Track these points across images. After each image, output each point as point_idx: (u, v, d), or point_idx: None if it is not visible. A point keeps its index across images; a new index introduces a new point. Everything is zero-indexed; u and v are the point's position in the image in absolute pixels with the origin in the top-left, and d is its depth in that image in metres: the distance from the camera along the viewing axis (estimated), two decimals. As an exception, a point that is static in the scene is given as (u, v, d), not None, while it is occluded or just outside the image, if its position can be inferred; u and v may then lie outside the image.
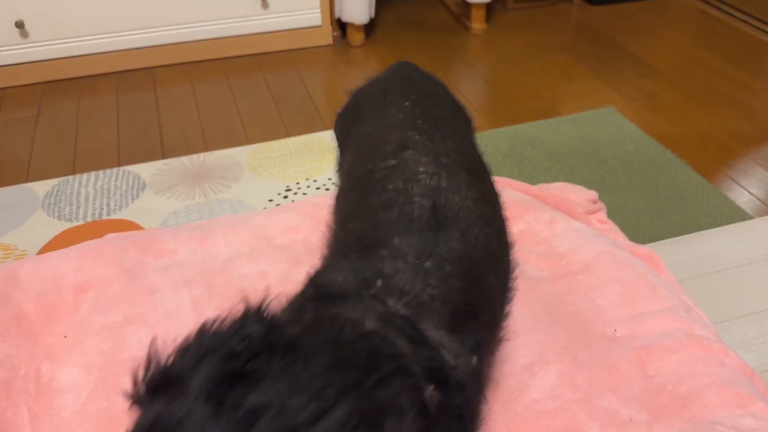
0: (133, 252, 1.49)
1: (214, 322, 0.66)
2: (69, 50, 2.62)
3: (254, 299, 0.68)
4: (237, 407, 0.58)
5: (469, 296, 0.92)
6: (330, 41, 2.91)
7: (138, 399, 0.62)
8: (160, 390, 0.62)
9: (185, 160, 2.12)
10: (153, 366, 0.63)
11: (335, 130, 1.43)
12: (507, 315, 1.07)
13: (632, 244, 1.61)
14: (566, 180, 1.91)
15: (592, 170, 2.02)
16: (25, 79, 2.61)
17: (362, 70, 2.74)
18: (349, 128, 1.36)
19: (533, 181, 1.86)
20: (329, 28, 2.88)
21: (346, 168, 1.29)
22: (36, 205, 1.91)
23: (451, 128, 1.19)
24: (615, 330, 1.30)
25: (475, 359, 0.86)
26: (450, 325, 0.86)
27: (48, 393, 1.20)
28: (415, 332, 0.83)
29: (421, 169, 1.05)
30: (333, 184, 1.98)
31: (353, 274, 0.91)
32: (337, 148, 1.43)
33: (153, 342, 0.65)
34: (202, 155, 2.14)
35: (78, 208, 1.90)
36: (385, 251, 0.93)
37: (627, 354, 1.24)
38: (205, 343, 0.63)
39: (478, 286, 0.96)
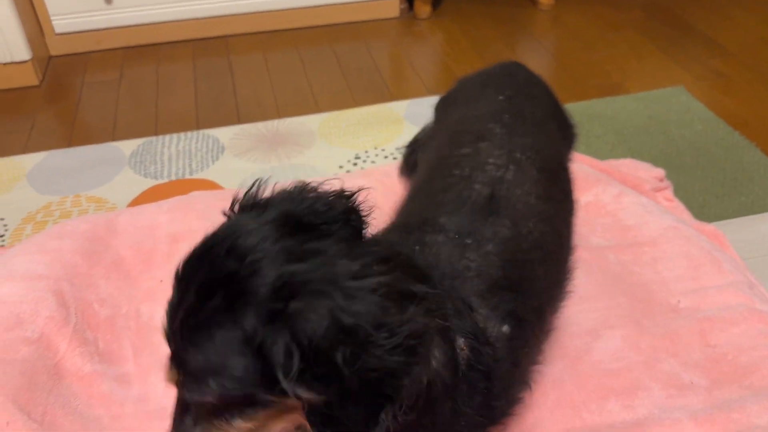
0: (221, 208, 1.59)
1: (313, 185, 0.79)
2: (149, 17, 2.73)
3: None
4: (298, 242, 0.69)
5: (510, 275, 0.96)
6: (397, 14, 2.96)
7: (229, 214, 0.80)
8: (246, 210, 0.77)
9: (260, 125, 2.22)
10: (249, 194, 0.80)
11: (435, 113, 1.48)
12: (556, 309, 1.12)
13: (698, 221, 1.64)
14: (633, 157, 1.93)
15: (660, 149, 2.03)
16: (108, 44, 2.74)
17: (428, 43, 2.79)
18: (444, 113, 1.42)
19: (600, 158, 1.89)
20: (396, 0, 2.92)
21: (429, 151, 1.35)
22: (123, 163, 2.04)
23: (538, 127, 1.22)
24: (678, 301, 1.35)
25: (506, 327, 0.91)
26: (483, 294, 0.92)
27: (148, 330, 1.32)
28: (453, 289, 0.90)
29: (491, 160, 1.11)
30: (401, 153, 2.05)
31: (400, 241, 0.98)
32: (430, 128, 1.49)
33: (257, 181, 0.81)
34: (275, 122, 2.24)
35: (162, 166, 2.02)
36: (428, 227, 1.01)
37: (689, 324, 1.29)
38: (298, 195, 0.77)
39: (523, 270, 1.00)
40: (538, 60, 2.63)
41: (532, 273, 1.02)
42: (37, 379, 1.11)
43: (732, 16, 2.89)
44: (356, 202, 0.80)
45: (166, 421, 1.14)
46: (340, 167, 2.00)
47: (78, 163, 2.04)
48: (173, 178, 1.97)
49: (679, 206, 1.72)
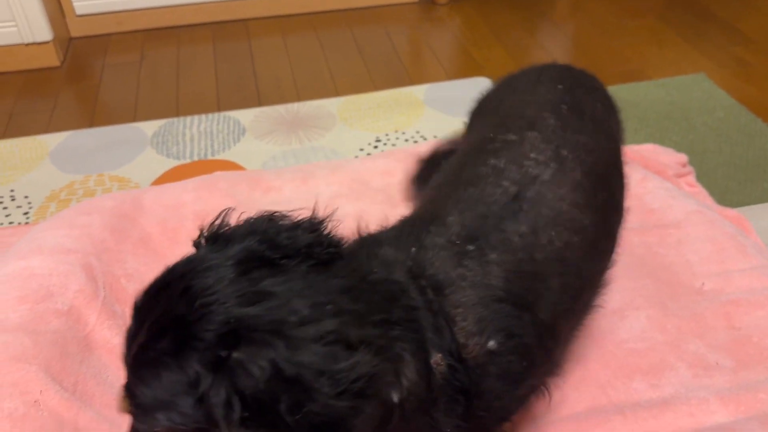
0: (244, 187, 1.61)
1: (280, 215, 0.79)
2: None
3: (322, 213, 0.80)
4: (252, 282, 0.68)
5: (511, 288, 0.88)
6: (416, -1, 2.95)
7: (196, 244, 0.79)
8: (211, 243, 0.76)
9: (280, 108, 2.22)
10: (216, 226, 0.78)
11: (470, 117, 1.38)
12: (575, 324, 1.02)
13: (721, 207, 1.63)
14: (655, 143, 1.92)
15: (682, 135, 2.02)
16: (128, 25, 2.75)
17: (447, 28, 2.78)
18: (487, 105, 1.31)
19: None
20: (416, -15, 2.92)
21: (471, 132, 1.28)
22: (145, 143, 2.05)
23: (597, 125, 1.11)
24: (703, 284, 1.35)
25: (492, 343, 0.85)
26: (471, 306, 0.86)
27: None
28: (435, 302, 0.84)
29: (533, 154, 1.01)
30: (421, 137, 2.05)
31: (398, 241, 0.92)
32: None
33: (223, 212, 0.80)
34: (295, 105, 2.24)
35: (184, 147, 2.03)
36: (433, 226, 0.94)
37: (714, 306, 1.29)
38: (261, 226, 0.76)
39: (532, 283, 0.91)
40: (557, 45, 2.62)
41: (543, 286, 0.92)
42: (69, 349, 1.13)
43: (753, 4, 2.87)
44: (322, 233, 0.78)
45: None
46: (361, 150, 2.01)
47: (100, 143, 2.05)
48: (195, 158, 1.98)
49: (701, 192, 1.72)
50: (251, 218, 0.78)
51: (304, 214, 0.80)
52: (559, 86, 1.17)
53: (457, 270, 0.87)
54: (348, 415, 0.65)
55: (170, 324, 0.67)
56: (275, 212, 0.79)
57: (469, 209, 0.95)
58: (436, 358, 0.82)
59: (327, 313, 0.68)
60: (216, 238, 0.77)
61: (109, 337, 1.20)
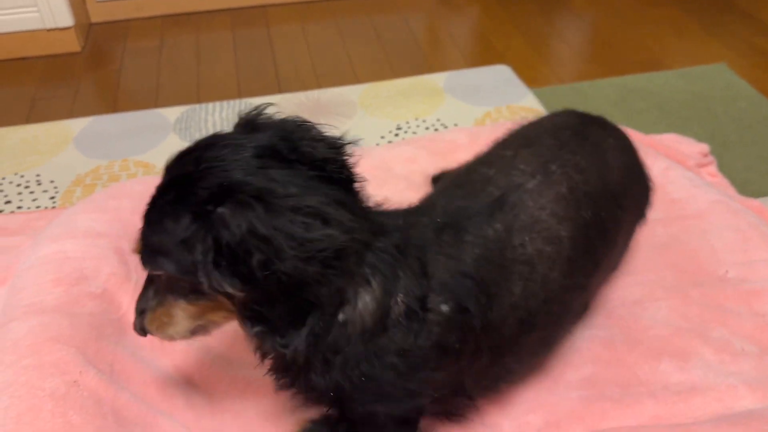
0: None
1: (310, 124, 0.87)
2: (188, -14, 2.75)
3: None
4: (260, 164, 0.76)
5: (478, 272, 0.92)
6: (434, -14, 2.95)
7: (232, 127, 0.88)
8: (241, 126, 0.86)
9: (301, 95, 2.23)
10: (251, 114, 0.87)
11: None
12: (522, 341, 1.02)
13: (743, 197, 1.64)
14: (676, 133, 1.93)
15: (703, 125, 2.02)
16: (147, 11, 2.76)
17: (466, 16, 2.78)
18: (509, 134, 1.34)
19: (643, 132, 1.89)
20: (434, -27, 2.91)
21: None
22: (168, 129, 2.07)
23: (598, 151, 1.15)
24: (726, 271, 1.36)
25: (445, 307, 0.89)
26: (441, 269, 0.91)
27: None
28: (413, 255, 0.90)
29: (522, 166, 1.07)
30: (442, 125, 2.06)
31: (396, 213, 0.98)
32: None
33: (263, 105, 0.88)
34: (316, 92, 2.25)
35: (207, 133, 2.03)
36: (423, 207, 1.03)
37: (737, 294, 1.30)
38: (289, 127, 0.84)
39: (495, 275, 0.95)
40: (577, 34, 2.61)
41: (505, 285, 0.96)
42: (104, 331, 1.15)
43: (774, -7, 2.85)
44: (341, 154, 0.85)
45: (228, 371, 1.19)
46: (382, 137, 2.02)
47: (124, 129, 2.07)
48: (218, 144, 2.00)
49: (723, 182, 1.72)
50: (283, 117, 0.86)
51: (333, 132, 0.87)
52: (576, 119, 1.24)
53: (436, 240, 0.94)
54: (313, 281, 0.75)
55: (178, 180, 0.78)
56: (306, 120, 0.87)
57: (454, 202, 1.03)
58: (400, 297, 0.87)
59: (309, 196, 0.76)
60: (247, 123, 0.86)
61: (142, 320, 1.23)
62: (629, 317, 1.26)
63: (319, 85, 2.32)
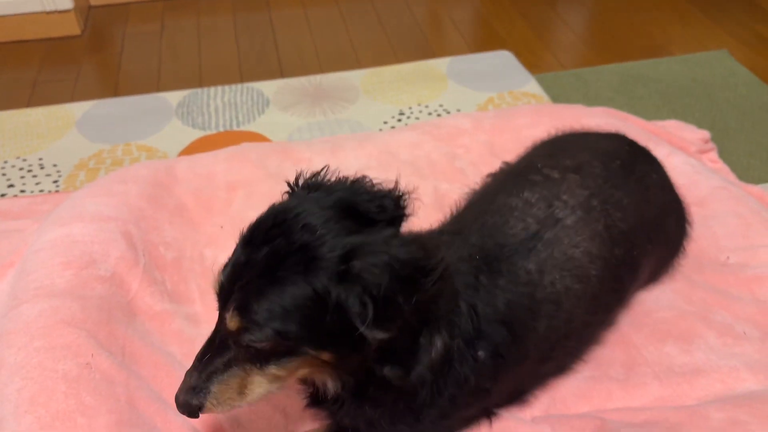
0: (275, 158, 1.63)
1: (371, 181, 0.92)
2: (188, -31, 2.73)
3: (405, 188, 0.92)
4: (354, 223, 0.83)
5: (511, 317, 0.96)
6: (435, -29, 2.93)
7: (292, 189, 0.94)
8: (305, 189, 0.91)
9: (303, 80, 2.23)
10: (313, 177, 0.93)
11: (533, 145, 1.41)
12: (547, 373, 1.09)
13: (744, 183, 1.65)
14: (677, 119, 1.94)
15: (704, 111, 2.03)
16: (147, -5, 2.75)
17: (468, 0, 2.77)
18: (552, 139, 1.38)
19: (645, 119, 1.89)
20: (436, -43, 2.90)
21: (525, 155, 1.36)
22: (170, 114, 2.07)
23: (641, 188, 1.17)
24: (728, 257, 1.37)
25: (482, 354, 0.95)
26: (478, 317, 0.95)
27: (212, 273, 1.36)
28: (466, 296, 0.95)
29: (564, 197, 1.08)
30: (445, 110, 2.06)
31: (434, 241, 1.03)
32: None
33: (325, 168, 0.95)
34: (318, 76, 2.25)
35: (209, 118, 2.04)
36: (458, 242, 1.04)
37: (738, 280, 1.32)
38: (356, 185, 0.90)
39: (525, 320, 0.98)
40: (579, 19, 2.61)
41: (531, 324, 0.99)
42: (114, 314, 1.16)
43: (776, -20, 2.85)
44: (404, 205, 0.91)
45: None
46: (385, 123, 2.02)
47: (126, 113, 2.07)
48: (221, 129, 2.00)
49: (724, 168, 1.74)
50: (347, 177, 0.92)
51: (386, 183, 0.93)
52: (626, 147, 1.25)
53: (474, 284, 0.97)
54: (437, 295, 0.83)
55: (295, 250, 0.79)
56: (365, 176, 0.93)
57: (491, 235, 1.04)
58: (457, 341, 0.93)
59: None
60: (317, 186, 0.91)
61: (152, 304, 1.24)
62: (634, 300, 1.27)
63: (322, 70, 2.31)
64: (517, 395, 1.10)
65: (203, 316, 1.28)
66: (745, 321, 1.22)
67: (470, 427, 1.07)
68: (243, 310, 0.80)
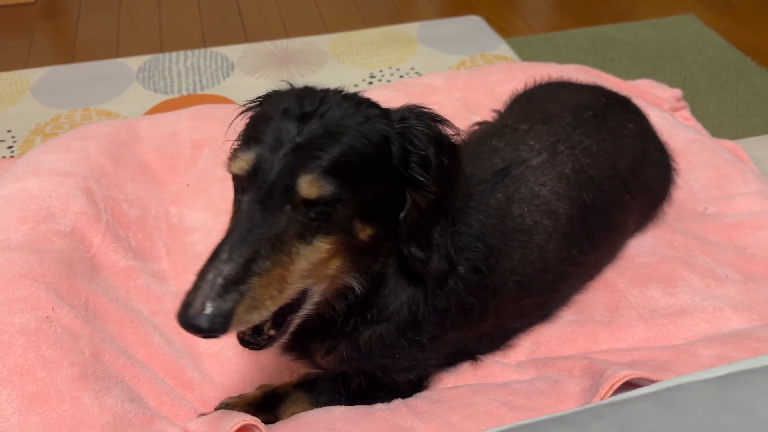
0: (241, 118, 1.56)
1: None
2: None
3: None
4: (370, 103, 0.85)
5: (486, 236, 0.97)
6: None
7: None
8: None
9: (269, 44, 2.17)
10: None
11: (510, 102, 1.44)
12: (522, 305, 1.06)
13: (717, 139, 1.65)
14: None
15: (674, 72, 2.03)
16: (103, -38, 2.64)
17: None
18: (526, 96, 1.39)
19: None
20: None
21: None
22: (131, 78, 1.99)
23: (614, 138, 1.17)
24: (705, 208, 1.37)
25: (461, 269, 0.94)
26: (455, 236, 0.94)
27: (179, 231, 1.30)
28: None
29: (531, 142, 1.11)
30: (416, 72, 2.02)
31: None
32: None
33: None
34: (284, 41, 2.19)
35: (172, 82, 1.97)
36: None
37: (717, 228, 1.31)
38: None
39: (498, 243, 0.98)
40: (548, -14, 2.59)
41: (505, 249, 1.00)
42: (76, 268, 1.09)
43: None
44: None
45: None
46: (355, 86, 1.97)
47: (84, 78, 1.98)
48: (184, 93, 1.93)
49: (696, 125, 1.73)
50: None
51: None
52: (602, 98, 1.25)
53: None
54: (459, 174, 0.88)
55: (352, 107, 0.80)
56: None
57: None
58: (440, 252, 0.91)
59: None
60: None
61: (115, 260, 1.17)
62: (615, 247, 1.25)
63: (288, 35, 2.25)
64: (501, 337, 1.07)
65: (170, 273, 1.22)
66: (726, 265, 1.21)
67: (453, 365, 1.04)
68: (321, 171, 0.73)
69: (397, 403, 0.97)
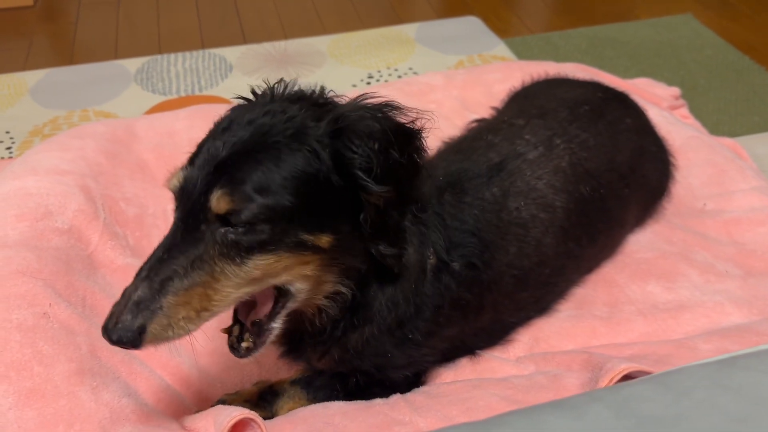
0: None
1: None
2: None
3: None
4: (315, 107, 0.81)
5: (481, 231, 0.96)
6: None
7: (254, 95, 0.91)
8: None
9: (267, 45, 2.17)
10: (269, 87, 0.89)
11: (508, 98, 1.43)
12: (518, 300, 1.06)
13: (716, 137, 1.65)
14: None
15: (672, 71, 2.03)
16: (102, -35, 2.64)
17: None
18: (523, 92, 1.39)
19: (615, 77, 1.88)
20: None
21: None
22: (129, 80, 1.99)
23: (612, 132, 1.17)
24: (705, 204, 1.36)
25: (456, 265, 0.93)
26: (448, 231, 0.94)
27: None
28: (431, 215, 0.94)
29: (527, 136, 1.10)
30: (414, 73, 2.02)
31: None
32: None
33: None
34: (282, 42, 2.19)
35: (170, 83, 1.97)
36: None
37: (716, 224, 1.31)
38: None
39: (494, 238, 0.98)
40: (545, -13, 2.60)
41: (501, 243, 0.99)
42: (73, 265, 1.09)
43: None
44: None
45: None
46: (354, 86, 1.97)
47: (82, 80, 1.98)
48: (183, 94, 1.93)
49: (695, 123, 1.73)
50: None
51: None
52: (599, 94, 1.25)
53: (438, 200, 0.96)
54: (419, 164, 0.83)
55: (283, 122, 0.77)
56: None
57: (454, 164, 1.05)
58: (431, 253, 0.92)
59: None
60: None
61: (113, 257, 1.17)
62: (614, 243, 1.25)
63: (286, 36, 2.25)
64: (498, 332, 1.07)
65: (169, 271, 1.22)
66: (725, 261, 1.20)
67: (451, 360, 1.03)
68: (232, 185, 0.71)
69: (396, 397, 0.96)
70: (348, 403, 0.95)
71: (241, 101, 0.90)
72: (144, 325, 0.69)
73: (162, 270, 0.72)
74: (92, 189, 1.25)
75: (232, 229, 0.72)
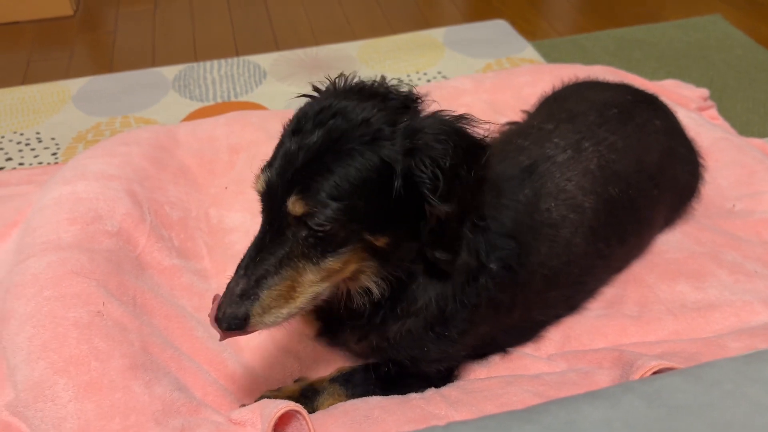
0: (274, 122, 1.61)
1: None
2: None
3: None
4: (389, 111, 0.84)
5: (517, 232, 0.99)
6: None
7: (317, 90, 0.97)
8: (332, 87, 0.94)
9: (299, 52, 2.22)
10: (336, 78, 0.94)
11: (539, 102, 1.46)
12: (548, 299, 1.09)
13: (745, 137, 1.66)
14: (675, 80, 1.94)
15: (701, 72, 2.04)
16: (138, -25, 2.72)
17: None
18: (554, 96, 1.41)
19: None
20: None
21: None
22: (167, 87, 2.05)
23: (641, 134, 1.19)
24: (734, 205, 1.38)
25: (494, 266, 0.97)
26: (486, 233, 0.97)
27: (219, 231, 1.35)
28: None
29: (556, 140, 1.13)
30: (443, 77, 2.06)
31: None
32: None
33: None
34: (314, 48, 2.24)
35: (206, 90, 2.03)
36: None
37: (746, 225, 1.32)
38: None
39: (527, 238, 1.01)
40: (573, -10, 2.61)
41: (534, 243, 1.02)
42: (123, 266, 1.15)
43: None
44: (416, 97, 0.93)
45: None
46: (384, 90, 2.01)
47: (122, 87, 2.05)
48: (219, 100, 1.99)
49: (724, 124, 1.74)
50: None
51: None
52: (628, 96, 1.27)
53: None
54: (484, 177, 0.88)
55: (357, 125, 0.81)
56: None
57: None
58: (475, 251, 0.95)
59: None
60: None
61: (160, 259, 1.22)
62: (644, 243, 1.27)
63: (317, 42, 2.30)
64: (528, 330, 1.10)
65: (212, 272, 1.27)
66: (754, 261, 1.22)
67: (482, 357, 1.07)
68: (308, 191, 0.79)
69: (431, 392, 1.00)
70: (386, 398, 0.99)
71: (307, 98, 0.95)
72: (247, 313, 0.81)
73: (256, 268, 0.82)
74: (138, 193, 1.31)
75: (310, 232, 0.80)
